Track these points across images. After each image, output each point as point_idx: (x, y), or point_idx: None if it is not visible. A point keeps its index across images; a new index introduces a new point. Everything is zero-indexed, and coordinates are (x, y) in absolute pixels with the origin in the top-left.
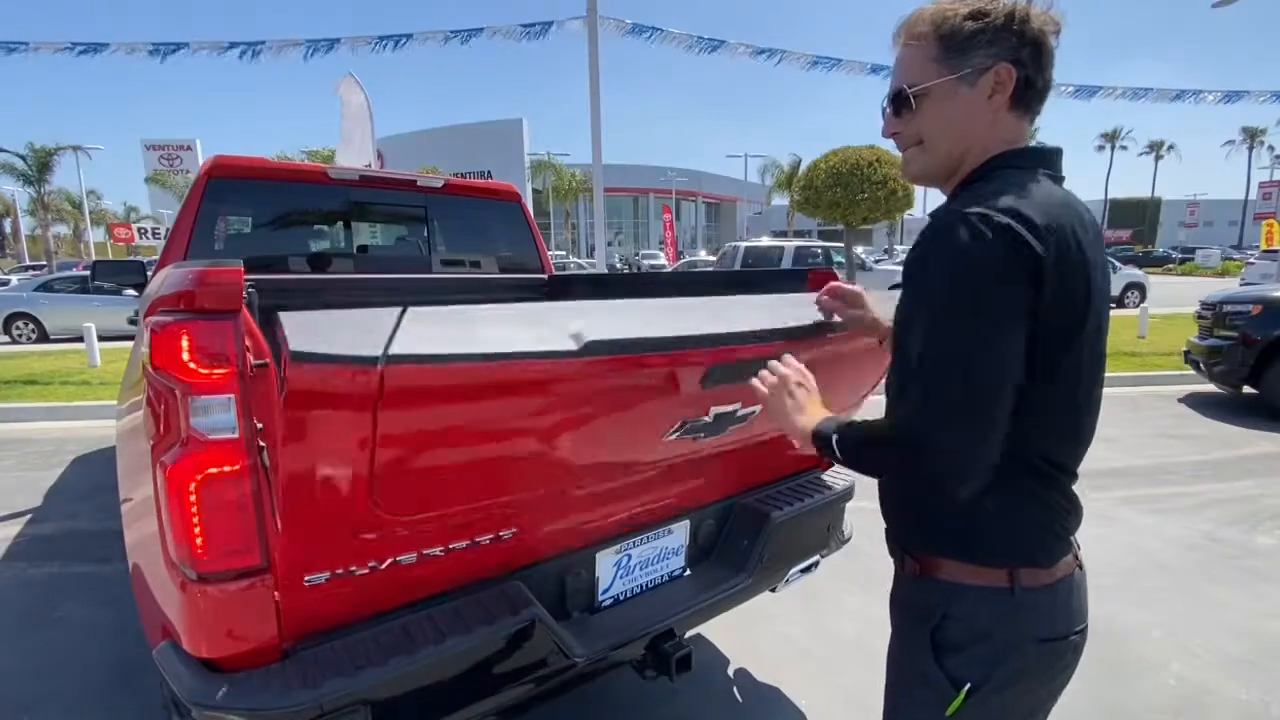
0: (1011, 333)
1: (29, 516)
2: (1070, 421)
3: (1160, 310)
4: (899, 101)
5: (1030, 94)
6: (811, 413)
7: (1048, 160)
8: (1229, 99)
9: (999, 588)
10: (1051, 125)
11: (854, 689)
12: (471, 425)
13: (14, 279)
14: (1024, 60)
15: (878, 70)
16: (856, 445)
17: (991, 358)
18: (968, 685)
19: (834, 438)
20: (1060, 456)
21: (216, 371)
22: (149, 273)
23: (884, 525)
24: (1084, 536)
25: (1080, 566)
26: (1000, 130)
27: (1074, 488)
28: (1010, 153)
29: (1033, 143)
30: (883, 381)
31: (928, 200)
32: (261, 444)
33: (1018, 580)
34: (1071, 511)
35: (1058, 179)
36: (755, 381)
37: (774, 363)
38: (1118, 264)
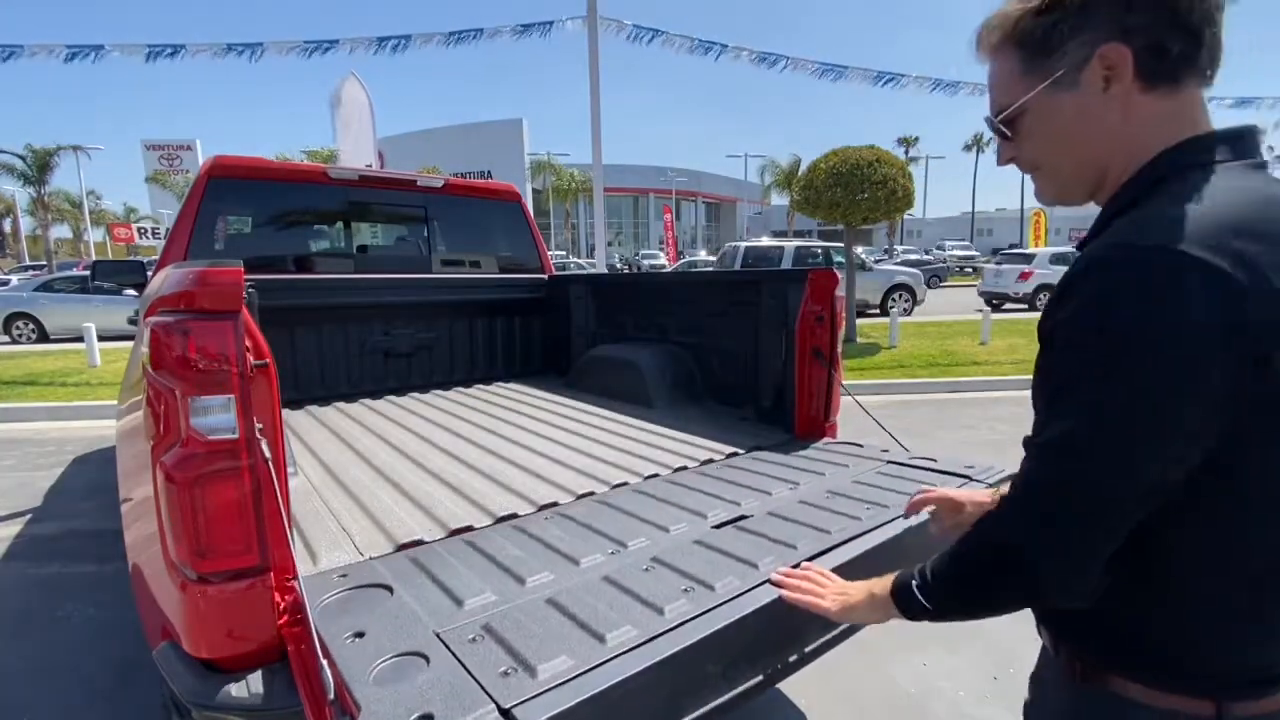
0: (1186, 432)
1: (29, 516)
2: None
3: None
4: (994, 130)
5: (1171, 61)
6: (862, 584)
7: (1238, 145)
8: (1240, 104)
9: (1204, 717)
10: None
11: (854, 689)
12: None
13: (14, 279)
14: (1137, 27)
15: (880, 78)
16: (935, 574)
17: (1134, 454)
18: None
19: (913, 582)
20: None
21: (217, 372)
22: (149, 273)
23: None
24: None
25: None
26: (1143, 122)
27: None
28: (1179, 147)
29: (1222, 128)
30: None
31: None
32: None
33: (1227, 713)
34: None
35: (1261, 165)
36: (787, 594)
37: (779, 575)
38: None
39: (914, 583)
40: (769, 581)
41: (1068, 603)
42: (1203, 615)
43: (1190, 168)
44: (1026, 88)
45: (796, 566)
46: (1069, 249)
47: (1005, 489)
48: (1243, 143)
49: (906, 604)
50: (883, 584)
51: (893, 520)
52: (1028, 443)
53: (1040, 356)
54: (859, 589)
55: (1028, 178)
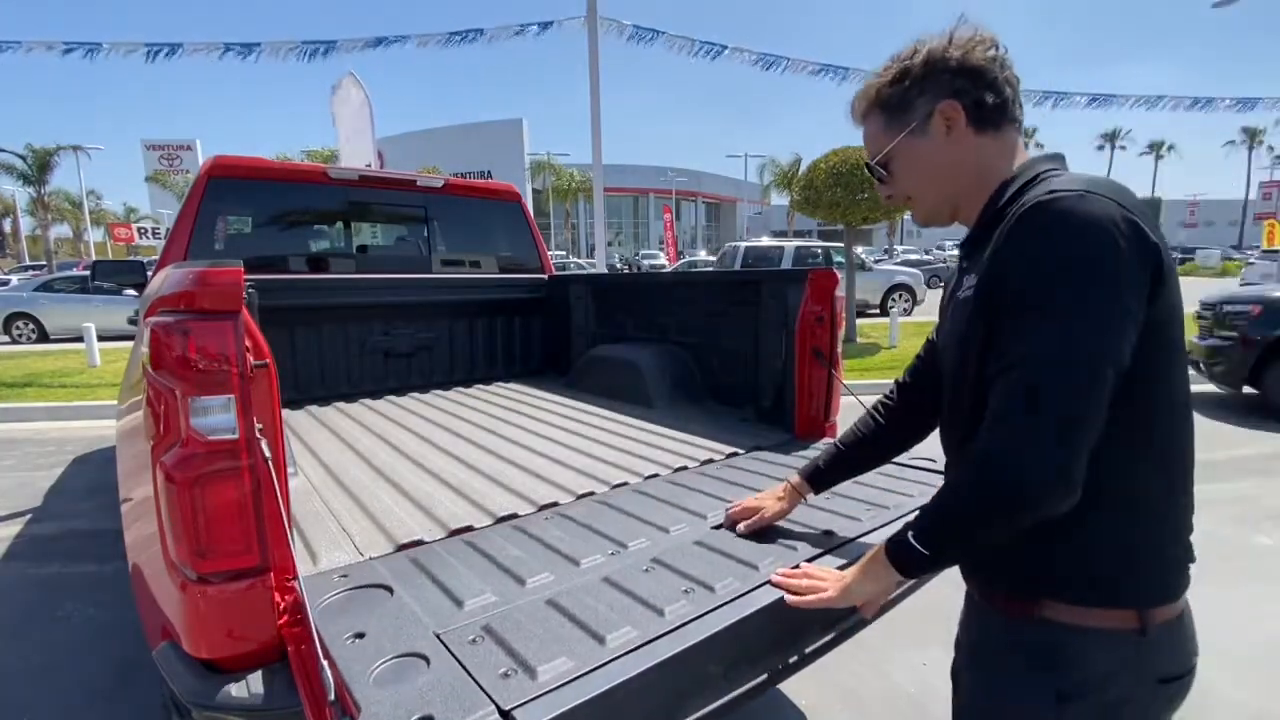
0: (1131, 329)
1: (29, 516)
2: (1180, 434)
3: None
4: (874, 174)
5: (989, 111)
6: (857, 564)
7: (1061, 161)
8: (1243, 106)
9: (1127, 629)
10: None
11: (854, 689)
12: None
13: (14, 279)
14: (963, 89)
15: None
16: (937, 526)
17: (1110, 357)
18: None
19: (909, 534)
20: (1174, 477)
21: (216, 372)
22: (149, 273)
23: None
24: None
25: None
26: (985, 155)
27: (1192, 506)
28: (1037, 160)
29: (1046, 153)
30: None
31: None
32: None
33: (1149, 620)
34: (1187, 537)
35: None
36: (790, 598)
37: (779, 577)
38: None
39: (910, 535)
40: (770, 583)
41: (1065, 502)
42: (1123, 525)
43: (1046, 172)
44: (891, 138)
45: (796, 568)
46: None
47: (791, 480)
48: (1058, 160)
49: (904, 559)
50: (874, 552)
51: (893, 521)
52: (998, 370)
53: (981, 299)
54: (852, 569)
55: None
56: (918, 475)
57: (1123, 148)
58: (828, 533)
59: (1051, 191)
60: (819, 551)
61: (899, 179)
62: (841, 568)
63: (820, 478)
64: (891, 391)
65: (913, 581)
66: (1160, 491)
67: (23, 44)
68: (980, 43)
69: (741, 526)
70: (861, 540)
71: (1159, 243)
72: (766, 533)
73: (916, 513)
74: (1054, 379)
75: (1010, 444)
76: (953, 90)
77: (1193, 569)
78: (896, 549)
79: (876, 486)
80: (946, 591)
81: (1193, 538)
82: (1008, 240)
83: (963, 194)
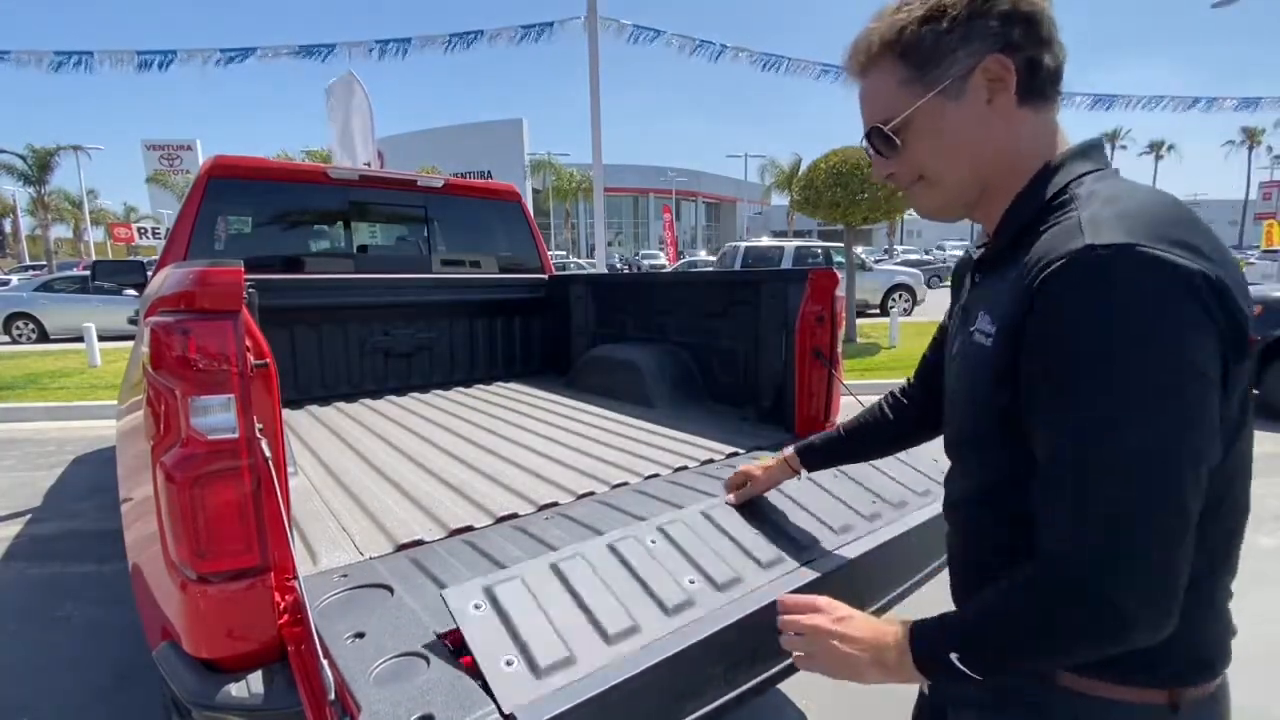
0: (1212, 412)
1: (29, 516)
2: (1240, 505)
3: None
4: (878, 142)
5: (1042, 77)
6: (876, 633)
7: (1098, 155)
8: (1245, 106)
9: (1156, 705)
10: None
11: (854, 689)
12: None
13: (14, 279)
14: (1017, 42)
15: None
16: (992, 643)
17: (1192, 454)
18: None
19: (951, 653)
20: (1226, 549)
21: (216, 372)
22: (149, 273)
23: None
24: None
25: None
26: (1022, 133)
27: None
28: (1073, 154)
29: (1080, 142)
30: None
31: None
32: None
33: (1181, 698)
34: (1230, 612)
35: (1115, 173)
36: (796, 655)
37: (788, 617)
38: None
39: (955, 657)
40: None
41: (1159, 635)
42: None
43: (1085, 176)
44: (912, 97)
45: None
46: None
47: (785, 453)
48: (1099, 153)
49: (934, 668)
50: (897, 649)
51: (895, 520)
52: (1052, 471)
53: (1004, 366)
54: (868, 631)
55: None
56: (917, 475)
57: (1123, 147)
58: (831, 531)
59: (1096, 246)
60: (821, 552)
61: (912, 152)
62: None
63: (813, 456)
64: (903, 389)
65: (912, 582)
66: (1201, 569)
67: (12, 54)
68: None
69: (731, 497)
70: (864, 538)
71: (1244, 309)
72: (768, 533)
73: (952, 620)
74: (1143, 497)
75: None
76: (1005, 43)
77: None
78: (927, 660)
79: (877, 486)
80: (947, 591)
81: None
82: (1049, 305)
83: (990, 183)
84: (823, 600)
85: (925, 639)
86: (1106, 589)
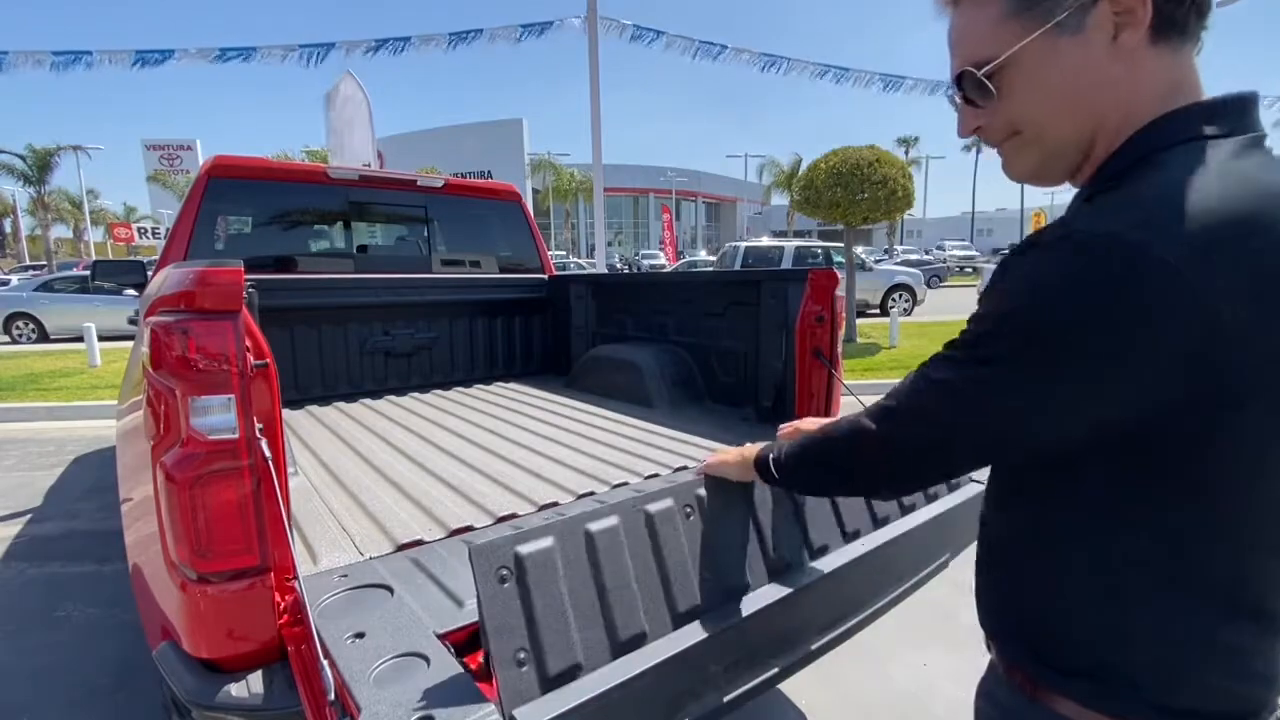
0: (1075, 404)
1: (29, 516)
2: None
3: None
4: (974, 87)
5: (1183, 10)
6: (754, 448)
7: (1236, 115)
8: None
9: None
10: None
11: (854, 689)
12: None
13: (14, 279)
14: None
15: (884, 79)
16: (789, 454)
17: (1005, 428)
18: None
19: (770, 455)
20: (1263, 587)
21: (216, 372)
22: (149, 273)
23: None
24: None
25: None
26: (1147, 82)
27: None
28: (1170, 117)
29: (1216, 96)
30: None
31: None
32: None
33: None
34: (1270, 664)
35: (1256, 143)
36: (702, 468)
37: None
38: None
39: (771, 456)
40: (696, 472)
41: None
42: (1151, 634)
43: (1177, 144)
44: (1018, 34)
45: (800, 570)
46: None
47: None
48: (1240, 114)
49: (763, 472)
50: (752, 450)
51: (898, 520)
52: (922, 370)
53: None
54: (735, 453)
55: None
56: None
57: None
58: (831, 529)
59: (1068, 227)
60: (821, 552)
61: (1013, 100)
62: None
63: None
64: None
65: (913, 581)
66: (1237, 606)
67: (9, 54)
68: None
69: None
70: (865, 537)
71: (1222, 304)
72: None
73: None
74: (912, 429)
75: (875, 456)
76: None
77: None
78: (761, 468)
79: None
80: (946, 591)
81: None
82: (1014, 260)
83: (1100, 141)
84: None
85: (769, 445)
86: (872, 457)
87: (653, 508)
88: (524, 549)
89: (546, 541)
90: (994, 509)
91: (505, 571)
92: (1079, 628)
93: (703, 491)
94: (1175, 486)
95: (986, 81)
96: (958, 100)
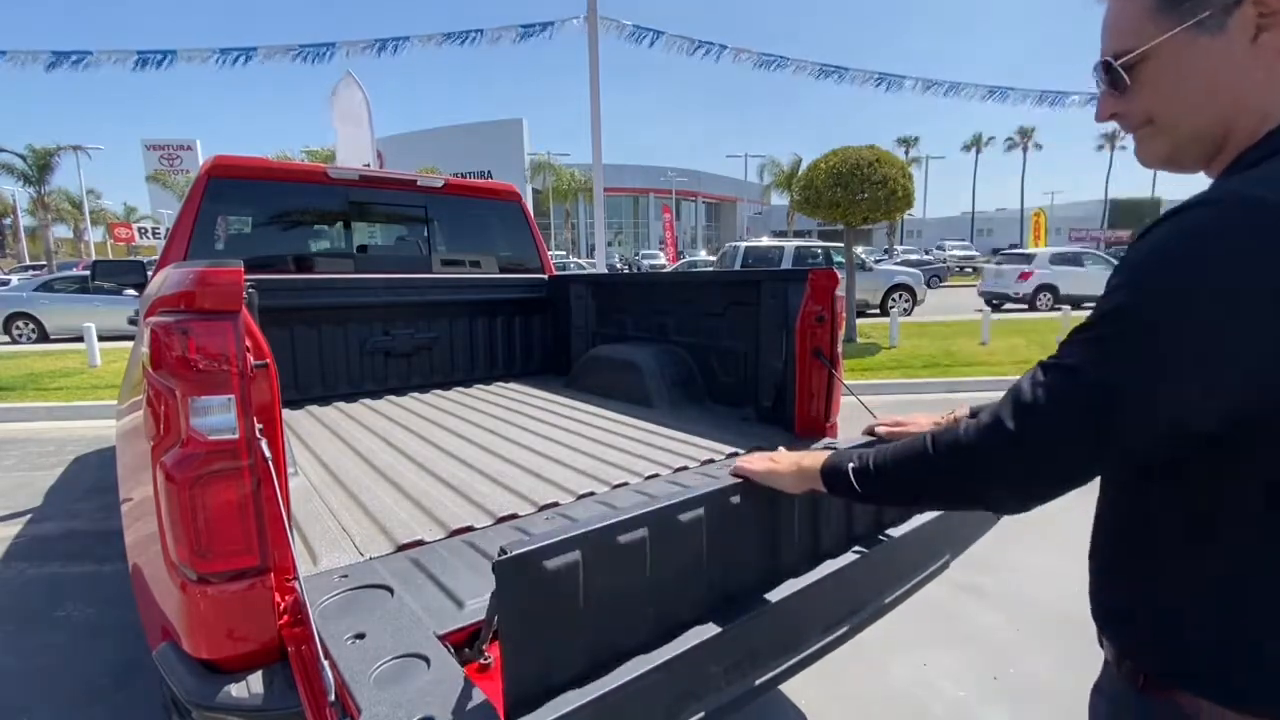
0: (1203, 383)
1: (29, 516)
2: None
3: None
4: (1112, 74)
5: None
6: (808, 456)
7: None
8: None
9: None
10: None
11: (854, 689)
12: None
13: (14, 279)
14: None
15: (883, 80)
16: (879, 466)
17: (1154, 409)
18: None
19: (849, 465)
20: None
21: (216, 372)
22: (149, 273)
23: (1089, 584)
24: (1077, 535)
25: None
26: None
27: None
28: None
29: None
30: None
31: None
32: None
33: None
34: None
35: None
36: (739, 464)
37: (741, 463)
38: (1115, 263)
39: (851, 466)
40: (732, 473)
41: (1011, 510)
42: (1274, 627)
43: None
44: (1161, 28)
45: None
46: (1069, 249)
47: (958, 413)
48: None
49: (834, 482)
50: (813, 459)
51: (899, 521)
52: (1045, 365)
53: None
54: (789, 458)
55: (1028, 178)
56: None
57: (1123, 147)
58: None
59: (1211, 196)
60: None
61: (1148, 90)
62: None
63: None
64: None
65: (913, 582)
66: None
67: (7, 53)
68: None
69: (882, 429)
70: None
71: None
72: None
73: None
74: (1053, 406)
75: (993, 456)
76: None
77: None
78: (834, 478)
79: None
80: (947, 591)
81: None
82: (1142, 238)
83: (1234, 136)
84: (774, 456)
85: (838, 455)
86: (991, 457)
87: (685, 517)
88: (551, 564)
89: (573, 555)
90: (1110, 501)
91: (528, 585)
92: (1194, 627)
93: (736, 499)
94: None
95: (1123, 72)
96: (1101, 84)
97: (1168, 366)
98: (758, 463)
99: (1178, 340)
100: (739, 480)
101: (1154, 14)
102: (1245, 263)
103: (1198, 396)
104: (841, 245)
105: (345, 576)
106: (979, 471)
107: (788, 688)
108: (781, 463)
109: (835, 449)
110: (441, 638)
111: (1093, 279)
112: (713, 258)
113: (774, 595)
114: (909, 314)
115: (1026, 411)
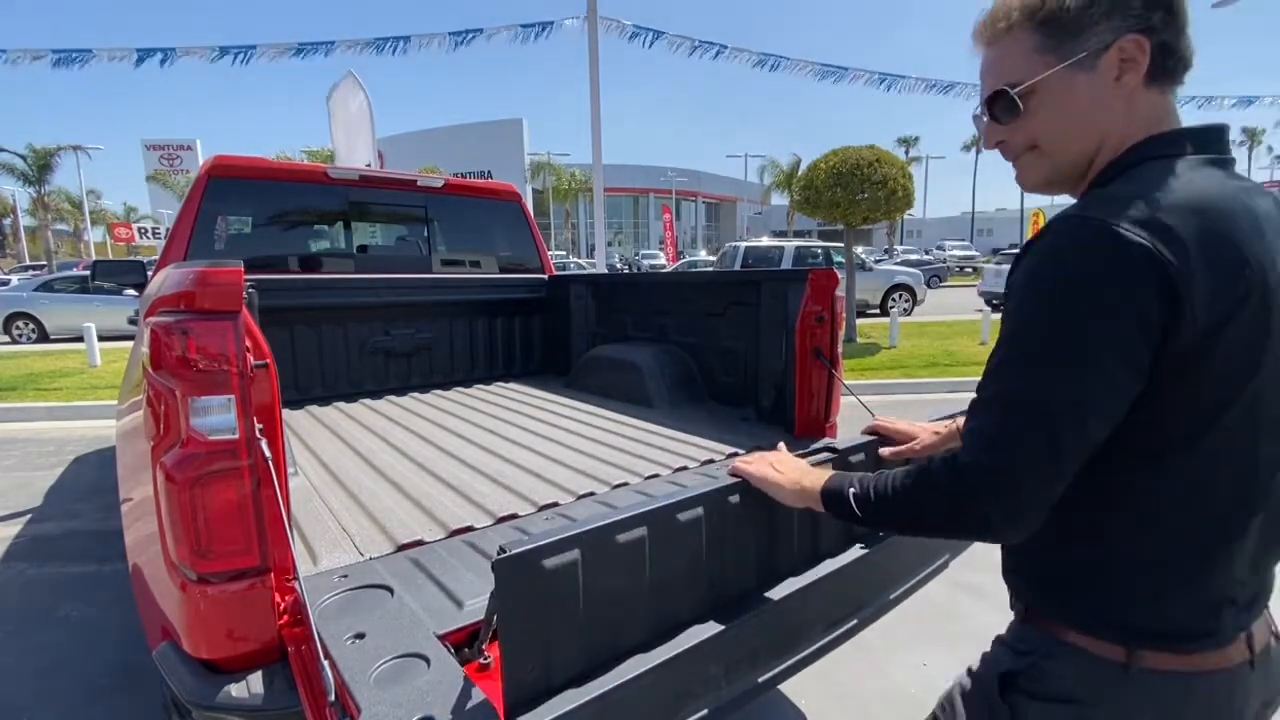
0: (1114, 381)
1: (29, 516)
2: (1237, 491)
3: None
4: (1000, 106)
5: (1172, 63)
6: (809, 474)
7: (1206, 141)
8: (1243, 103)
9: (1111, 660)
10: None
11: (854, 689)
12: None
13: (14, 279)
14: (1156, 26)
15: (884, 79)
16: (879, 495)
17: (1081, 411)
18: None
19: (849, 491)
20: (1213, 534)
21: (216, 372)
22: (149, 273)
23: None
24: None
25: (1252, 663)
26: (1139, 114)
27: (1256, 571)
28: (1154, 139)
29: (1190, 125)
30: None
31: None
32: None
33: (1136, 660)
34: (1230, 600)
35: (1223, 161)
36: (738, 464)
37: (740, 464)
38: None
39: (851, 491)
40: (730, 472)
41: (1014, 538)
42: (1126, 569)
43: (1158, 159)
44: (1045, 65)
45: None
46: None
47: (958, 422)
48: (1208, 141)
49: (835, 507)
50: (813, 479)
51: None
52: (978, 397)
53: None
54: (790, 471)
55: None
56: None
57: None
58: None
59: (1067, 215)
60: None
61: (1035, 119)
62: (848, 567)
63: None
64: None
65: (913, 581)
66: (1190, 546)
67: (8, 53)
68: None
69: (886, 453)
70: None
71: (1193, 283)
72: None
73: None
74: (1025, 426)
75: (981, 479)
76: (1144, 25)
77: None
78: (835, 502)
79: None
80: (947, 591)
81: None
82: (1024, 253)
83: (1098, 159)
84: (775, 462)
85: (839, 478)
86: (982, 500)
87: (683, 516)
88: (550, 562)
89: (572, 554)
90: None
91: (527, 584)
92: (1062, 567)
93: (734, 499)
94: (1163, 450)
95: (1018, 100)
96: (984, 119)
97: (1071, 365)
98: (756, 465)
99: (1065, 340)
100: (738, 480)
101: (1039, 53)
102: (1090, 268)
103: (1100, 387)
104: (841, 245)
105: (345, 576)
106: (969, 504)
107: (788, 688)
108: (783, 474)
109: (834, 449)
110: (441, 638)
111: None
112: (713, 258)
113: (774, 594)
114: (909, 314)
115: (991, 444)
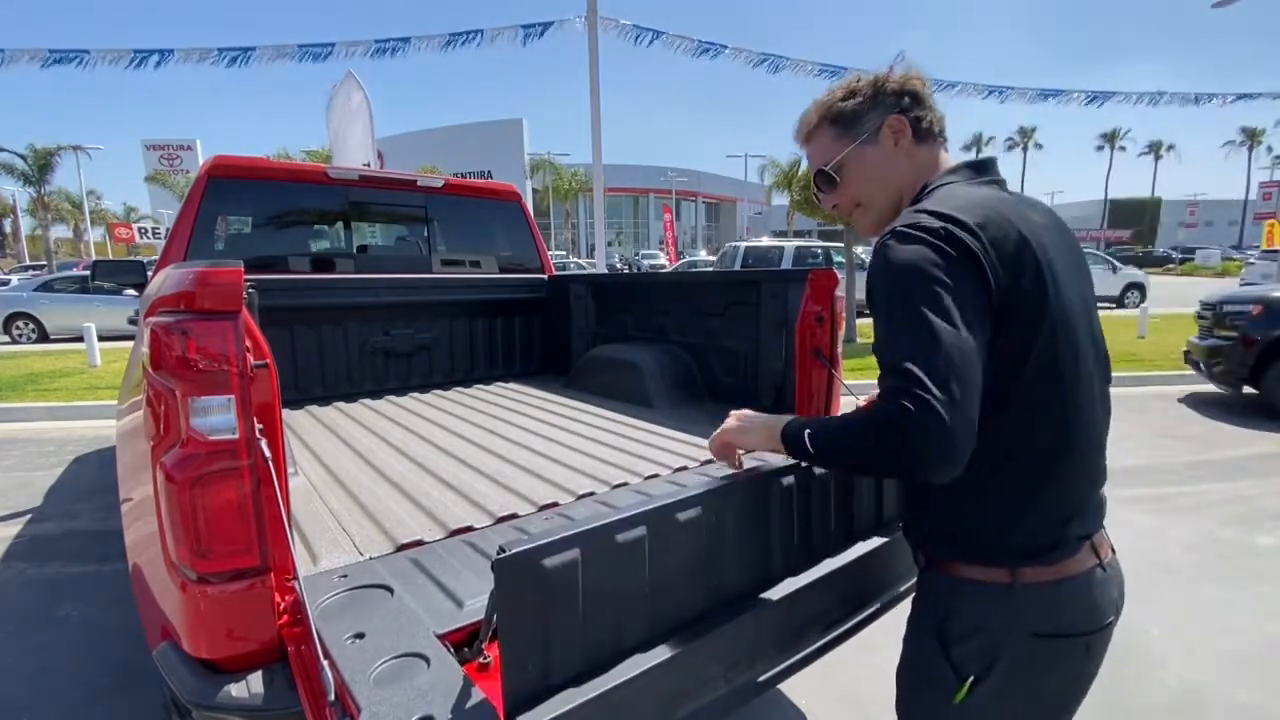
0: (967, 323)
1: (29, 516)
2: (1057, 420)
3: (1160, 310)
4: (824, 180)
5: (928, 127)
6: (771, 420)
7: (979, 169)
8: (1241, 98)
9: (999, 584)
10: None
11: (852, 688)
12: None
13: (14, 279)
14: (907, 106)
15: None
16: (830, 433)
17: (955, 345)
18: (971, 677)
19: (806, 432)
20: (1049, 457)
21: (216, 372)
22: (149, 273)
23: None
24: None
25: (1102, 567)
26: (920, 164)
27: (1087, 486)
28: (940, 175)
29: (964, 160)
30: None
31: None
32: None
33: (1019, 577)
34: (1073, 513)
35: (996, 182)
36: (713, 445)
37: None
38: (1118, 264)
39: (807, 432)
40: (713, 451)
41: (947, 471)
42: (993, 499)
43: (943, 184)
44: (843, 147)
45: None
46: None
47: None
48: (982, 168)
49: (792, 443)
50: (777, 422)
51: (899, 520)
52: (883, 365)
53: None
54: (759, 423)
55: (1028, 177)
56: None
57: (1122, 148)
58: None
59: (897, 227)
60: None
61: (849, 184)
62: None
63: None
64: None
65: (913, 581)
66: (1034, 470)
67: (6, 53)
68: (915, 76)
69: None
70: (865, 539)
71: (977, 246)
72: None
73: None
74: (932, 372)
75: (915, 419)
76: (900, 108)
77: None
78: (793, 441)
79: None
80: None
81: (1156, 527)
82: (873, 256)
83: (903, 200)
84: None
85: (798, 421)
86: (912, 437)
87: (683, 516)
88: (549, 562)
89: (571, 554)
90: None
91: (527, 584)
92: (952, 511)
93: (735, 498)
94: (1018, 388)
95: (833, 175)
96: (818, 192)
97: (935, 317)
98: (726, 432)
99: (922, 301)
100: (737, 480)
101: (837, 140)
102: (913, 253)
103: (960, 329)
104: (841, 245)
105: (345, 576)
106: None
107: (787, 687)
108: (753, 421)
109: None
110: (441, 637)
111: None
112: (713, 258)
113: (773, 594)
114: None
115: (915, 386)
